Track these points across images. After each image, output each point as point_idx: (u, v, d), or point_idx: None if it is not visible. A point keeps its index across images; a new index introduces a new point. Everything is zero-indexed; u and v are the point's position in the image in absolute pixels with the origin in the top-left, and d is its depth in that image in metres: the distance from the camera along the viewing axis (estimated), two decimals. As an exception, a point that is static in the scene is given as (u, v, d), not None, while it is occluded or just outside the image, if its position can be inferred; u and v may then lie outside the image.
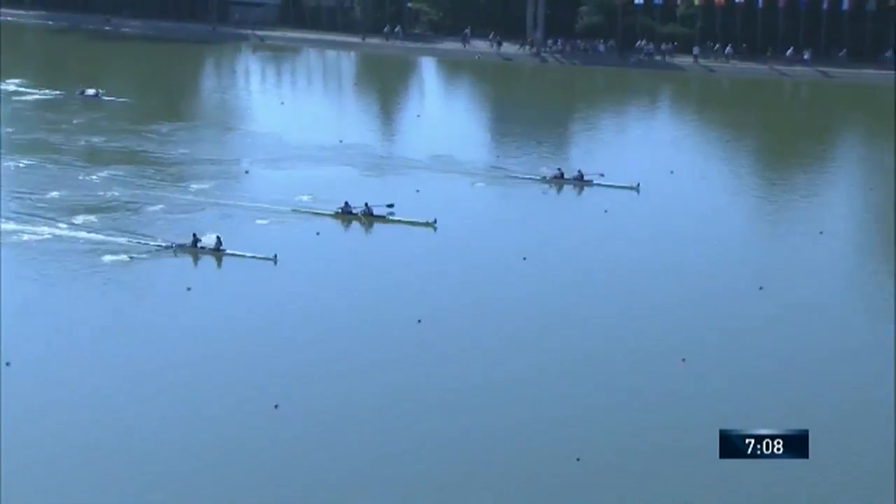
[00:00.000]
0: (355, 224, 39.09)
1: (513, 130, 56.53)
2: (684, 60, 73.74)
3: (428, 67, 78.43)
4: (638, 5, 75.89)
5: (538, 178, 44.83)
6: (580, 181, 43.79)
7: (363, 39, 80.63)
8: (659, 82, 71.14)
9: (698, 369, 27.04)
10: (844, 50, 70.34)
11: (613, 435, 24.03)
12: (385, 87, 71.84)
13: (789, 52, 70.90)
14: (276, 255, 34.48)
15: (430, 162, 47.45)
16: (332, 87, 73.51)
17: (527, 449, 23.63)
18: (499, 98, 67.56)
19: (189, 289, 32.87)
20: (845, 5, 70.03)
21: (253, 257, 34.80)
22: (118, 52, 75.72)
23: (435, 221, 38.10)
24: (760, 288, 32.19)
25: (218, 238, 35.38)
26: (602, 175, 43.27)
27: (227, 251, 35.26)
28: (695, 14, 75.42)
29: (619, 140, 55.06)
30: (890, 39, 70.04)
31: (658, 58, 74.63)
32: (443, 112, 64.84)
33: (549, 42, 77.94)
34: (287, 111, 61.62)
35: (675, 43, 73.89)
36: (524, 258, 35.81)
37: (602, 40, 76.82)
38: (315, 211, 39.65)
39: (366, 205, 39.09)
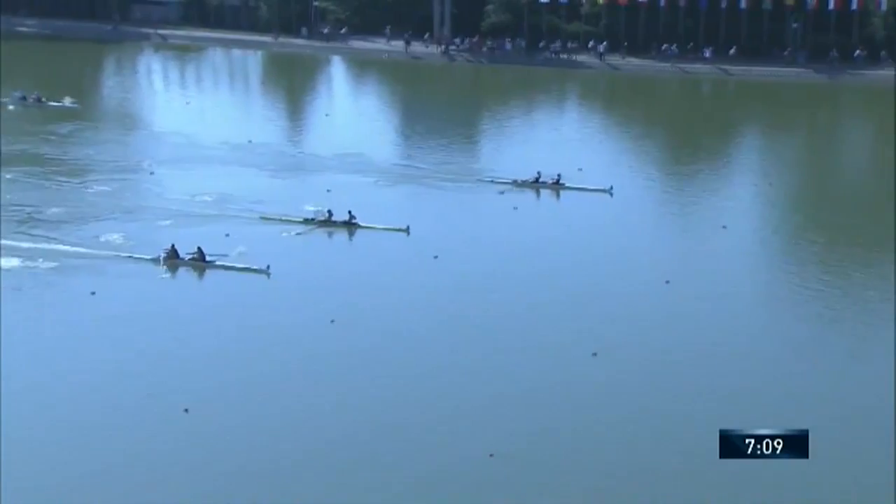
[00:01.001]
0: (270, 227, 38.65)
1: (422, 129, 56.52)
2: (590, 58, 74.90)
3: (336, 66, 78.10)
4: (543, 4, 76.69)
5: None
6: (543, 184, 43.14)
7: (275, 38, 79.91)
8: (566, 80, 72.01)
9: (608, 363, 27.38)
10: (736, 48, 72.22)
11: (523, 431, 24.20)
12: (293, 86, 71.30)
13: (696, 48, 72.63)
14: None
15: (340, 161, 47.26)
16: (240, 87, 72.64)
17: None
18: (408, 97, 67.53)
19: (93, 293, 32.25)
20: (743, 4, 71.90)
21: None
22: (14, 52, 73.55)
23: (408, 228, 37.79)
24: (667, 282, 32.80)
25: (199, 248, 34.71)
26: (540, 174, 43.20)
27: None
28: (599, 12, 76.61)
29: (528, 138, 55.56)
30: (786, 38, 72.21)
31: (564, 56, 75.65)
32: (352, 111, 64.63)
33: (457, 41, 78.36)
34: (193, 111, 60.69)
35: (594, 42, 74.82)
36: (435, 256, 35.98)
37: (509, 39, 77.56)
38: (229, 213, 39.21)
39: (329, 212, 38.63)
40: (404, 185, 44.67)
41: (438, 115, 60.40)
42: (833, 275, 33.82)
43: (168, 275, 33.87)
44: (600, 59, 74.26)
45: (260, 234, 37.09)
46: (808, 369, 27.26)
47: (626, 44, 73.27)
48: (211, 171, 45.09)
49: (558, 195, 42.79)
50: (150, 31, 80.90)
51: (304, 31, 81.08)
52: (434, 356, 28.24)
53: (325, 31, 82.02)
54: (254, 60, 79.29)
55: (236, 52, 79.82)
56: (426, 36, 78.50)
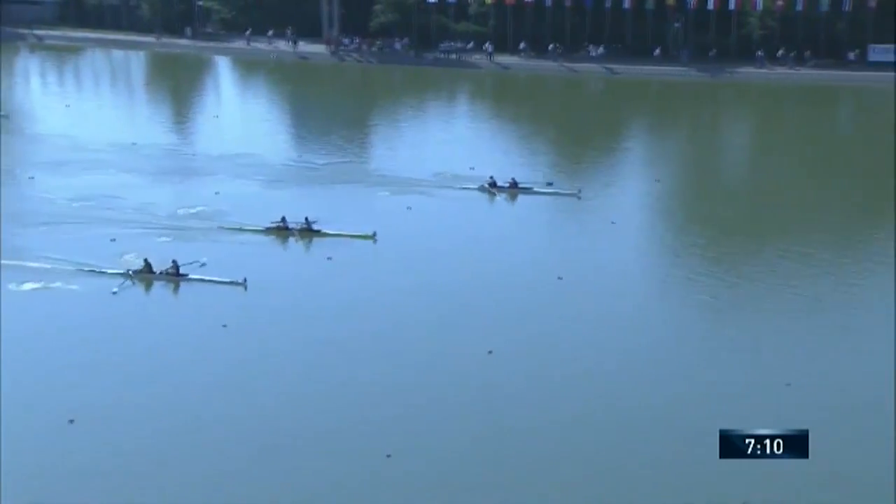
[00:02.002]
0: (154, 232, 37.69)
1: (314, 129, 56.10)
2: (479, 58, 75.45)
3: (223, 67, 76.90)
4: (431, 4, 77.00)
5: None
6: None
7: (158, 38, 78.21)
8: (455, 80, 72.32)
9: (503, 360, 27.48)
10: (621, 47, 73.70)
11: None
12: (179, 87, 69.86)
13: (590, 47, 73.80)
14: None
15: (230, 163, 46.47)
16: (122, 89, 70.84)
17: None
18: (298, 97, 66.90)
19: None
20: (627, 4, 73.40)
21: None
22: None
23: (375, 235, 36.65)
24: (560, 278, 33.15)
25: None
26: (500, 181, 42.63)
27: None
28: (487, 12, 77.27)
29: (419, 137, 55.62)
30: (668, 37, 73.97)
31: (453, 56, 76.04)
32: (241, 112, 63.66)
33: (346, 41, 78.01)
34: (74, 114, 58.86)
35: (490, 43, 75.24)
36: (329, 258, 35.68)
37: (398, 38, 77.58)
38: (113, 217, 38.13)
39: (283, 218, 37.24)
40: (298, 187, 44.11)
41: (329, 116, 60.04)
42: (720, 266, 34.69)
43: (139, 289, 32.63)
44: (489, 59, 74.90)
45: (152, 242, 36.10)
46: (696, 359, 27.77)
47: (536, 46, 74.03)
48: (94, 175, 43.74)
49: (450, 194, 42.75)
50: (25, 31, 78.29)
51: (187, 31, 79.66)
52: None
53: (210, 31, 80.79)
54: (136, 61, 77.49)
55: (117, 53, 77.92)
56: (318, 36, 77.93)
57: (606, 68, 72.66)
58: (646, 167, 50.42)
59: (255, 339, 28.97)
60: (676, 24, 73.93)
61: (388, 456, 22.80)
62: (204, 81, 72.89)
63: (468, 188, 42.67)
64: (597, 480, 22.03)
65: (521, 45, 74.63)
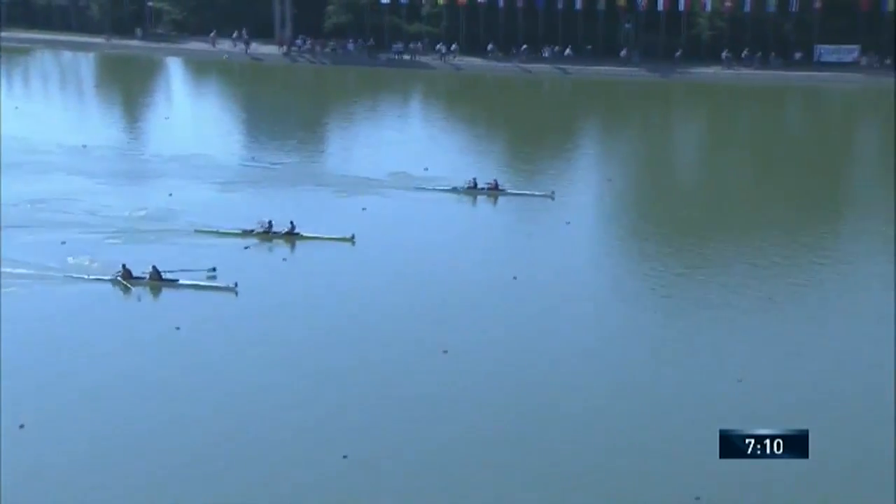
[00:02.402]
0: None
1: (267, 130, 55.70)
2: (432, 59, 75.48)
3: (174, 68, 76.13)
4: (384, 5, 76.84)
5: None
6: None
7: (108, 40, 77.27)
8: (409, 80, 72.23)
9: (458, 359, 27.48)
10: (573, 48, 74.12)
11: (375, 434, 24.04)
12: (130, 88, 69.01)
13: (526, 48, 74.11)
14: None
15: (182, 164, 46.04)
16: (72, 90, 69.87)
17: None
18: (251, 98, 66.44)
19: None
20: (578, 5, 73.85)
21: None
22: None
23: (354, 237, 36.44)
24: (514, 278, 33.24)
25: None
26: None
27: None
28: (440, 13, 77.32)
29: (374, 137, 55.51)
30: (620, 38, 74.52)
31: (407, 56, 75.97)
32: (193, 113, 63.11)
33: (298, 42, 77.62)
34: (23, 116, 57.91)
35: (444, 44, 75.29)
36: (284, 259, 35.53)
37: (351, 39, 77.36)
38: (64, 220, 37.60)
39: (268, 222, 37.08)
40: (251, 188, 43.78)
41: (283, 117, 59.71)
42: (673, 264, 34.97)
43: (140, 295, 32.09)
44: (442, 60, 74.95)
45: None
46: (648, 354, 27.94)
47: (488, 47, 74.13)
48: (45, 178, 43.08)
49: (412, 194, 42.63)
50: (-29, 32, 77.03)
51: (138, 32, 78.80)
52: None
53: (161, 32, 79.99)
54: (86, 62, 76.48)
55: (66, 54, 76.87)
56: (270, 37, 77.47)
57: (559, 69, 73.00)
58: (599, 166, 50.75)
59: (211, 343, 28.76)
60: (627, 25, 74.46)
61: (345, 457, 22.71)
62: (155, 83, 72.11)
63: (441, 189, 42.55)
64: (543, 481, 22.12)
65: (474, 46, 74.77)
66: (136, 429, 24.13)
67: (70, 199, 39.82)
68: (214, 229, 36.84)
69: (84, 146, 48.94)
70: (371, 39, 76.18)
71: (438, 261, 35.02)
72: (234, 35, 76.26)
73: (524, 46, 73.74)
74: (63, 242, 35.36)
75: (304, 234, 36.70)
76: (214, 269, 32.71)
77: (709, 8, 72.73)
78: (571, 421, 24.25)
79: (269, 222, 36.91)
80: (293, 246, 36.65)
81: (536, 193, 42.59)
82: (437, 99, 70.11)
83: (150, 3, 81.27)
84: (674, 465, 22.37)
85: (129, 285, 32.22)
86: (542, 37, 74.66)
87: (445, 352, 27.77)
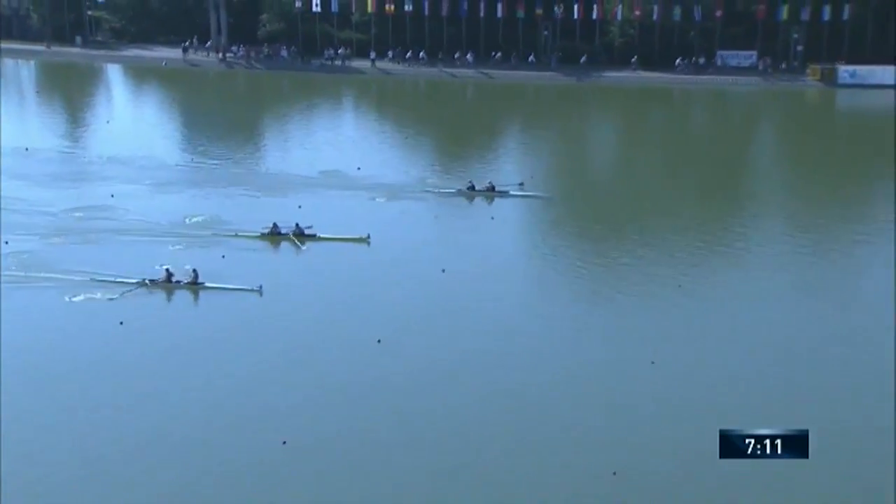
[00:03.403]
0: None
1: (206, 133, 54.73)
2: (363, 64, 75.11)
3: (114, 74, 74.51)
4: (316, 13, 76.33)
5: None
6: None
7: (48, 47, 75.29)
8: (341, 85, 71.75)
9: (391, 349, 27.20)
10: (494, 53, 74.31)
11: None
12: (71, 94, 67.33)
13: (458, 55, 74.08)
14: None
15: (124, 166, 44.92)
16: (13, 96, 67.78)
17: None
18: (189, 103, 65.28)
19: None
20: (499, 13, 74.04)
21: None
22: None
23: (369, 237, 35.45)
24: (443, 270, 33.05)
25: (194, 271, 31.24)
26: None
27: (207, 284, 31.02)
28: (369, 21, 76.97)
29: (309, 139, 54.90)
30: (538, 44, 74.92)
31: (338, 62, 75.47)
32: (133, 117, 61.68)
33: (234, 48, 76.62)
34: (-36, 121, 56.13)
35: (373, 50, 74.89)
36: (223, 256, 34.87)
37: (285, 46, 76.64)
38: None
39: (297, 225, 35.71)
40: (191, 188, 42.82)
41: (221, 120, 58.75)
42: (589, 255, 35.10)
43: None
44: (372, 65, 74.62)
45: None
46: (569, 340, 27.88)
47: (416, 53, 73.86)
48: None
49: (341, 194, 42.16)
50: None
51: (78, 39, 77.00)
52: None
53: (101, 39, 78.30)
54: (27, 69, 74.42)
55: (7, 62, 74.64)
56: (207, 44, 76.31)
57: (482, 73, 73.15)
58: (520, 164, 50.84)
59: (151, 337, 28.08)
60: (545, 32, 74.96)
61: (284, 443, 22.31)
62: (95, 88, 70.43)
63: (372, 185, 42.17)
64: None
65: (402, 52, 74.54)
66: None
67: (13, 200, 38.57)
68: (233, 233, 35.62)
69: (27, 149, 47.51)
70: (303, 46, 75.54)
71: (375, 255, 34.72)
72: (186, 43, 75.00)
73: (449, 52, 73.71)
74: (6, 242, 34.21)
75: (321, 236, 35.65)
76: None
77: (620, 17, 73.49)
78: (495, 405, 24.05)
79: (274, 223, 35.78)
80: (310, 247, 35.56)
81: (537, 194, 41.52)
82: (367, 102, 69.70)
83: (89, 13, 79.47)
84: (589, 440, 22.40)
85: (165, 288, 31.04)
86: (466, 43, 74.87)
87: (379, 341, 27.48)
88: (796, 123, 63.46)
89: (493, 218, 39.44)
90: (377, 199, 41.09)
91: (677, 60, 71.89)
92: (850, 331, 28.31)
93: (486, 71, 73.28)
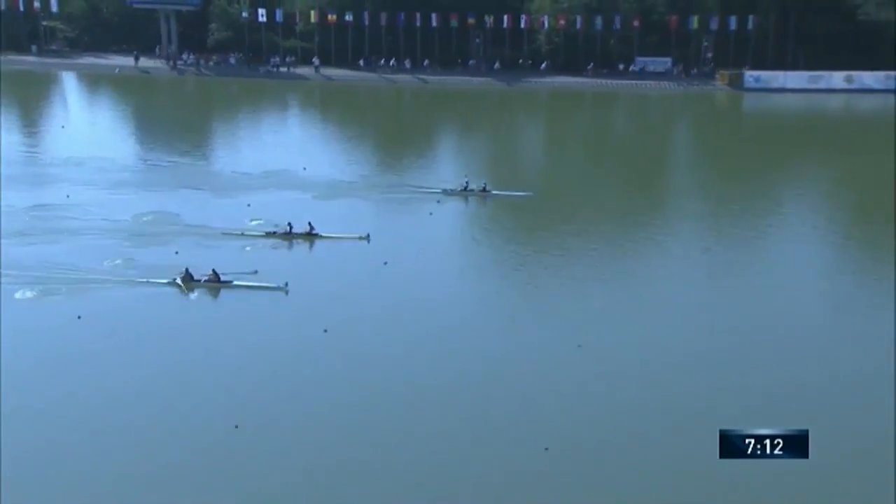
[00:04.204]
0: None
1: (159, 136, 53.64)
2: (307, 70, 74.49)
3: (69, 82, 72.67)
4: (262, 23, 75.47)
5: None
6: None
7: (4, 56, 73.13)
8: (287, 90, 70.96)
9: (337, 337, 26.90)
10: (430, 60, 74.18)
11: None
12: (26, 101, 65.35)
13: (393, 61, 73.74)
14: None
15: (78, 169, 43.75)
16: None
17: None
18: (142, 108, 63.88)
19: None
20: (434, 22, 73.90)
21: None
22: None
23: (369, 236, 34.72)
24: (385, 263, 32.82)
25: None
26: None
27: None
28: (312, 30, 76.33)
29: (257, 141, 54.13)
30: (471, 51, 74.96)
31: (284, 69, 74.76)
32: (89, 122, 60.17)
33: (184, 56, 75.43)
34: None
35: (317, 57, 74.19)
36: (176, 252, 34.13)
37: (232, 54, 75.77)
38: None
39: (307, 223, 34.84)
40: (145, 189, 41.77)
41: (173, 123, 57.68)
42: (522, 247, 35.12)
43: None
44: (316, 71, 74.02)
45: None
46: (504, 327, 27.86)
47: (367, 59, 73.30)
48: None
49: (285, 194, 41.53)
50: None
51: (33, 48, 74.97)
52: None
53: (56, 48, 76.38)
54: (-17, 78, 72.12)
55: (-39, 71, 72.30)
56: (156, 51, 74.98)
57: (419, 78, 72.98)
58: (457, 163, 50.79)
59: (106, 328, 27.40)
60: (477, 40, 75.03)
61: (236, 426, 21.88)
62: (50, 95, 68.56)
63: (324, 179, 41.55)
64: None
65: (344, 59, 74.05)
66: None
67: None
68: (240, 231, 34.71)
69: (-18, 154, 46.12)
70: (250, 53, 74.70)
71: (322, 249, 34.36)
72: (120, 50, 73.50)
73: (407, 60, 73.37)
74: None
75: (323, 234, 34.91)
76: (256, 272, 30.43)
77: (546, 26, 73.86)
78: (435, 391, 23.91)
79: (309, 223, 35.05)
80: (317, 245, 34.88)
81: (520, 193, 40.73)
82: (312, 106, 69.05)
83: (44, 23, 77.42)
84: (525, 418, 22.40)
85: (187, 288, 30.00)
86: (403, 50, 74.67)
87: (325, 331, 27.17)
88: (708, 124, 64.44)
89: (431, 214, 39.25)
90: (315, 197, 40.60)
91: (596, 66, 72.48)
92: (760, 308, 28.73)
93: (422, 77, 73.13)
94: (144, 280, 30.17)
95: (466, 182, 41.77)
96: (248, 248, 33.76)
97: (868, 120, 63.70)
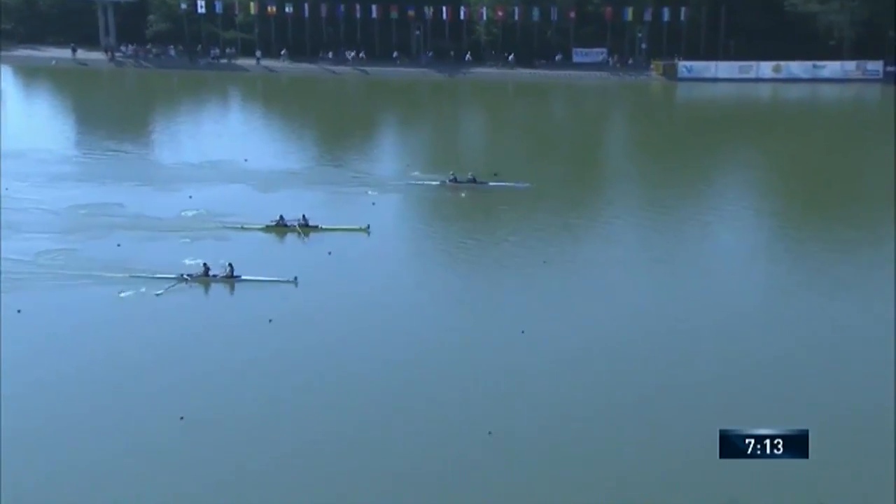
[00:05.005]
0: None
1: (98, 128, 52.52)
2: (248, 62, 73.46)
3: (5, 74, 70.62)
4: (201, 14, 74.19)
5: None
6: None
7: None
8: (228, 82, 69.95)
9: (281, 328, 26.66)
10: (371, 51, 73.75)
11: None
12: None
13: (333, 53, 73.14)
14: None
15: (14, 161, 42.57)
16: None
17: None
18: (80, 100, 62.45)
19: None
20: (374, 14, 73.43)
21: None
22: None
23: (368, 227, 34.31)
24: (329, 253, 32.58)
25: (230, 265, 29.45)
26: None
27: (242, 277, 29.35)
28: (252, 21, 75.28)
29: (198, 133, 53.26)
30: (411, 42, 74.69)
31: (224, 60, 73.63)
32: (25, 115, 58.63)
33: (122, 48, 73.85)
34: None
35: (259, 49, 73.13)
36: (119, 244, 33.45)
37: (172, 46, 74.39)
38: None
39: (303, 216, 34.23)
40: (84, 180, 40.92)
41: (113, 116, 56.52)
42: (467, 234, 35.08)
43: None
44: (258, 63, 73.06)
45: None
46: (450, 312, 27.80)
47: (286, 51, 72.49)
48: None
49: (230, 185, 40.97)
50: None
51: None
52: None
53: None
54: (-85, 71, 69.78)
55: None
56: (101, 47, 73.25)
57: (360, 70, 72.48)
58: (399, 152, 50.67)
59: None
60: (417, 32, 74.77)
61: (181, 418, 21.56)
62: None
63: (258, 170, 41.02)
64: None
65: (283, 51, 73.26)
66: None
67: None
68: (239, 225, 34.18)
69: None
70: (189, 45, 73.36)
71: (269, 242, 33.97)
72: (57, 42, 71.56)
73: (329, 51, 72.70)
74: None
75: (322, 227, 34.51)
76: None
77: (485, 17, 73.90)
78: (378, 377, 23.84)
79: (303, 215, 34.50)
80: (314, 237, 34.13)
81: (517, 185, 39.87)
82: (253, 98, 68.13)
83: (-24, 14, 75.07)
84: (469, 403, 22.47)
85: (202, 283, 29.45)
86: (344, 42, 74.10)
87: (270, 321, 26.89)
88: (643, 113, 65.21)
89: (374, 203, 39.00)
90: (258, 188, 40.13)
91: (534, 57, 72.81)
92: (695, 293, 29.24)
93: (363, 68, 72.64)
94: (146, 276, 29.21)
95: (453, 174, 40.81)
96: (185, 241, 33.08)
97: (795, 108, 65.12)
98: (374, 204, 38.96)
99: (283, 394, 22.89)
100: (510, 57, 71.70)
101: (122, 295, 28.32)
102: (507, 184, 40.38)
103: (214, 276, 29.57)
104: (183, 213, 35.73)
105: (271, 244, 33.87)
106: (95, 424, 21.41)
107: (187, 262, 30.42)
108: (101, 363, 24.29)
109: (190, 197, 38.15)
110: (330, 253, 32.38)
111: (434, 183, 40.86)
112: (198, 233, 34.06)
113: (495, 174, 41.21)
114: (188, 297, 28.83)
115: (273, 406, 22.36)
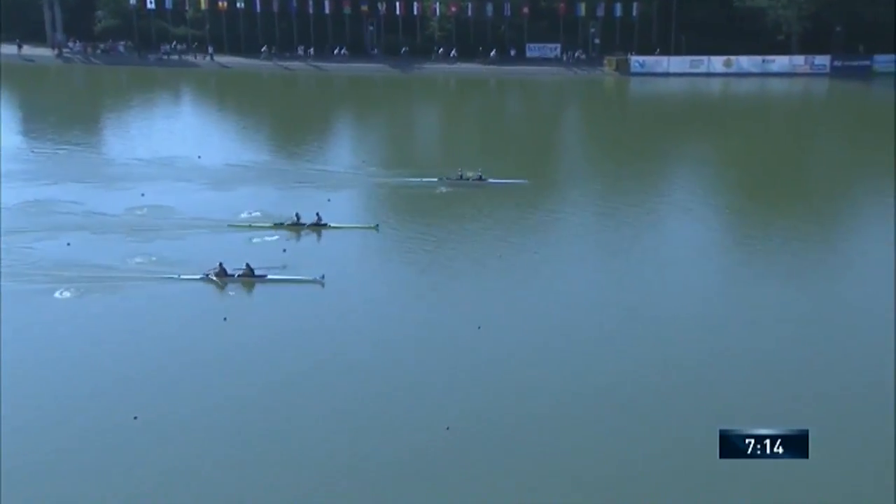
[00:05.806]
0: None
1: (45, 124, 51.59)
2: (199, 58, 72.62)
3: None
4: (150, 10, 73.16)
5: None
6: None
7: None
8: (179, 78, 69.01)
9: (237, 325, 26.47)
10: (324, 47, 73.39)
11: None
12: None
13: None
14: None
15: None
16: None
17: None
18: (27, 97, 61.24)
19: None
20: (327, 9, 73.04)
21: None
22: None
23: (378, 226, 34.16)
24: (284, 251, 32.36)
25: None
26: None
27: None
28: (203, 17, 74.37)
29: (150, 130, 52.51)
30: (364, 38, 74.40)
31: (175, 57, 72.71)
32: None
33: (70, 44, 72.50)
34: None
35: (211, 45, 72.23)
36: (68, 243, 32.88)
37: (121, 42, 73.30)
38: None
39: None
40: (34, 179, 40.22)
41: (61, 113, 55.49)
42: (425, 228, 35.04)
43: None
44: (211, 59, 72.25)
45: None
46: (410, 308, 27.93)
47: (266, 48, 71.76)
48: None
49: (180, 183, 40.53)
50: None
51: None
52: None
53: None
54: None
55: None
56: (48, 43, 71.78)
57: (313, 65, 72.05)
58: (355, 147, 50.50)
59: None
60: (370, 27, 74.49)
61: (135, 418, 21.32)
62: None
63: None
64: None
65: (237, 46, 72.53)
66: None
67: None
68: (247, 223, 33.89)
69: None
70: (139, 41, 72.33)
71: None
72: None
73: (282, 46, 72.14)
74: None
75: (332, 225, 34.37)
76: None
77: (438, 13, 73.86)
78: (335, 372, 23.79)
79: (317, 214, 34.36)
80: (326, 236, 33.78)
81: (515, 181, 39.98)
82: (206, 94, 67.39)
83: (-82, 10, 73.16)
84: (426, 398, 22.51)
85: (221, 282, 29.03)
86: (297, 38, 73.57)
87: (225, 319, 26.70)
88: (597, 108, 65.72)
89: (329, 200, 38.76)
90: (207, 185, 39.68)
91: (491, 52, 72.95)
92: (651, 284, 29.62)
93: (316, 64, 72.23)
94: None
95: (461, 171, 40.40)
96: (129, 240, 32.62)
97: (745, 102, 66.09)
98: (329, 200, 38.74)
99: (238, 391, 22.75)
100: (452, 53, 71.75)
101: (59, 295, 27.84)
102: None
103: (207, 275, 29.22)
104: (132, 211, 35.20)
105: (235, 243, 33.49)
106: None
107: (135, 260, 29.90)
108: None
109: (143, 195, 37.63)
110: (285, 251, 32.15)
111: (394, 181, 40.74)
112: (150, 233, 33.64)
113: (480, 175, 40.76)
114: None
115: (228, 403, 22.23)
